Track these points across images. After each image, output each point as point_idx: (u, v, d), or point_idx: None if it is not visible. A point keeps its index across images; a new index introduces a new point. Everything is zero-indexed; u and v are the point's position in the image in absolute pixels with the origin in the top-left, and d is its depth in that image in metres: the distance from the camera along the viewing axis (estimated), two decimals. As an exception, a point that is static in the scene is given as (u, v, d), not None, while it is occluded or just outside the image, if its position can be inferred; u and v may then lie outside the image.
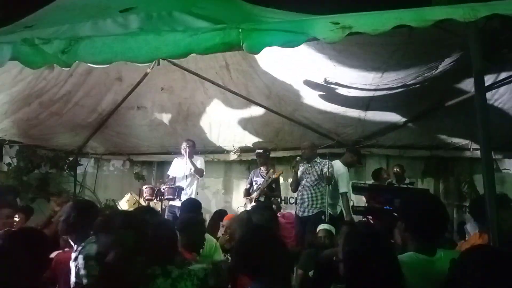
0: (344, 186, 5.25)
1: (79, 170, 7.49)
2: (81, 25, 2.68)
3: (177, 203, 5.62)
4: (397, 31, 2.28)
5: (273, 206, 5.68)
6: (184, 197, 5.62)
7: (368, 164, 6.63)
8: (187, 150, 5.80)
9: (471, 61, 2.46)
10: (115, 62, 2.31)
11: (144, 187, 5.96)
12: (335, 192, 5.24)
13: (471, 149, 6.27)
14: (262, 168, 6.02)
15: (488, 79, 3.80)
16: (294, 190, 5.45)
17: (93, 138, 6.94)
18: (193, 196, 5.77)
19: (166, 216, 5.58)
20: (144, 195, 5.77)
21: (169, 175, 6.22)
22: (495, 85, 4.12)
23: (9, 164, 6.50)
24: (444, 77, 4.26)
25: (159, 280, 2.21)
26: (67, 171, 7.23)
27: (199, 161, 6.00)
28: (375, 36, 2.19)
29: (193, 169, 5.83)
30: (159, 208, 5.68)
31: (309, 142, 5.45)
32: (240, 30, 2.16)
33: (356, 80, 4.50)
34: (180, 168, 6.00)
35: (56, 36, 2.42)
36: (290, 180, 5.93)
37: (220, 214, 5.38)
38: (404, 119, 5.64)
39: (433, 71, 4.18)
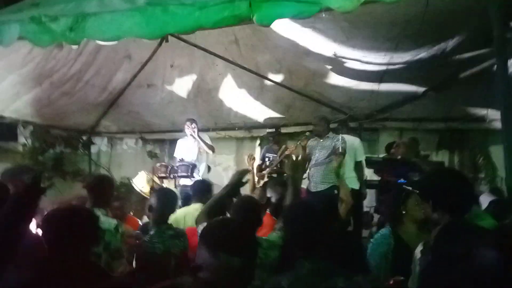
0: (362, 154, 5.44)
1: (93, 149, 7.56)
2: (88, 1, 2.64)
3: (189, 182, 5.58)
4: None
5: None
6: (196, 174, 5.64)
7: (382, 138, 6.54)
8: (195, 130, 5.75)
9: (492, 28, 2.36)
10: (123, 39, 2.28)
11: (157, 164, 5.99)
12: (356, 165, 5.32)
13: (488, 121, 6.12)
14: (274, 145, 5.99)
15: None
16: None
17: (105, 117, 6.96)
18: (203, 172, 5.79)
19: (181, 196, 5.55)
20: (158, 172, 5.81)
21: (176, 158, 6.12)
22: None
23: (24, 145, 6.58)
24: (461, 47, 4.13)
25: None
26: (81, 150, 7.32)
27: (207, 138, 5.96)
28: (390, 4, 2.11)
29: (203, 147, 5.79)
30: (172, 187, 5.71)
31: (320, 116, 5.38)
32: (250, 2, 2.10)
33: (370, 52, 4.39)
34: (188, 149, 5.96)
35: (63, 13, 2.39)
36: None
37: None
38: (419, 91, 5.51)
39: (450, 40, 4.04)
